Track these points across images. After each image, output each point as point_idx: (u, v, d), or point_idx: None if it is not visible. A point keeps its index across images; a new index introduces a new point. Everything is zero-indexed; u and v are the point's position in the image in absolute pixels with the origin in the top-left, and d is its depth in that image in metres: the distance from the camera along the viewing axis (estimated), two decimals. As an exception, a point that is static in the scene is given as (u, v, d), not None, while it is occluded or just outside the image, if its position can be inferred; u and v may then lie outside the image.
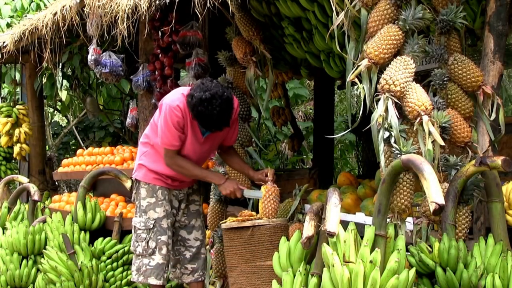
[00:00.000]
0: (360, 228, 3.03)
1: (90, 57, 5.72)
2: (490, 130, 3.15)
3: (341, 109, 12.07)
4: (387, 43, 3.09)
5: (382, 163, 3.03)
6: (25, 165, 7.80)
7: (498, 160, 2.80)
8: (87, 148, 6.63)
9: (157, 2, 4.31)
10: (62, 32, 5.43)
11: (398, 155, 2.92)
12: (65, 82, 8.24)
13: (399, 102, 3.02)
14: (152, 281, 4.04)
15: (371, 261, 2.73)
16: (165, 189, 4.11)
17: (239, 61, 4.63)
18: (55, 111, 11.76)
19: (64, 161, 6.70)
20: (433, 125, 2.96)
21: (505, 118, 3.26)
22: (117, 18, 4.64)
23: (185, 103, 3.82)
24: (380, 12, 3.18)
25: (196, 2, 3.99)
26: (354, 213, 4.11)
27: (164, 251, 4.05)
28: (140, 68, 5.77)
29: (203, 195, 5.05)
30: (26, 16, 7.42)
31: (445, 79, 3.25)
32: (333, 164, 7.84)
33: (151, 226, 4.05)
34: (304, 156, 11.38)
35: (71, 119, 11.10)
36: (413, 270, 2.79)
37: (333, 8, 3.26)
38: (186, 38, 5.19)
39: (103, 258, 4.85)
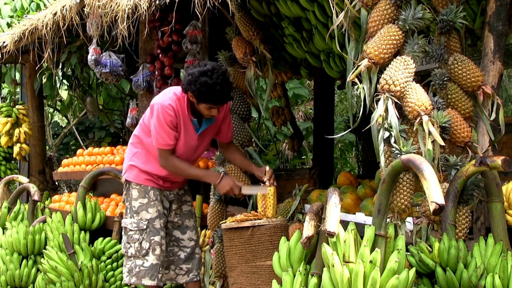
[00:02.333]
0: (360, 228, 3.03)
1: (90, 57, 5.73)
2: (490, 130, 3.15)
3: (341, 109, 12.07)
4: (387, 43, 3.09)
5: (382, 163, 3.03)
6: (25, 165, 7.80)
7: (498, 160, 2.80)
8: (87, 148, 6.63)
9: (157, 2, 4.31)
10: (62, 32, 5.44)
11: (398, 155, 2.92)
12: (65, 82, 8.25)
13: (399, 102, 3.02)
14: (147, 282, 4.00)
15: (371, 261, 2.73)
16: (156, 189, 4.08)
17: (239, 61, 4.63)
18: (55, 111, 11.76)
19: (64, 161, 6.71)
20: (433, 125, 2.96)
21: (505, 118, 3.26)
22: (117, 18, 4.64)
23: (177, 102, 3.83)
24: (380, 12, 3.18)
25: (196, 2, 3.99)
26: (354, 213, 4.11)
27: (157, 251, 4.02)
28: (140, 68, 5.77)
29: (203, 195, 5.06)
30: (26, 16, 7.42)
31: (445, 79, 3.25)
32: (333, 164, 7.84)
33: (144, 226, 4.01)
34: (304, 157, 11.39)
35: (71, 119, 11.10)
36: (413, 270, 2.79)
37: (333, 8, 3.26)
38: (194, 37, 5.21)
39: (103, 258, 4.85)
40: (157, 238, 4.03)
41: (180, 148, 3.98)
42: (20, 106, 7.58)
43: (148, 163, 4.04)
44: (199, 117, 3.96)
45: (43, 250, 4.88)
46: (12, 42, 6.48)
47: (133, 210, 4.06)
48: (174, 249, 4.22)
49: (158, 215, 4.06)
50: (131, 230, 4.04)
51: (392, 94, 3.00)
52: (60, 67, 7.46)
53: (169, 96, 3.87)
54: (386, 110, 2.99)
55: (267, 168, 4.00)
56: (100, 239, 4.95)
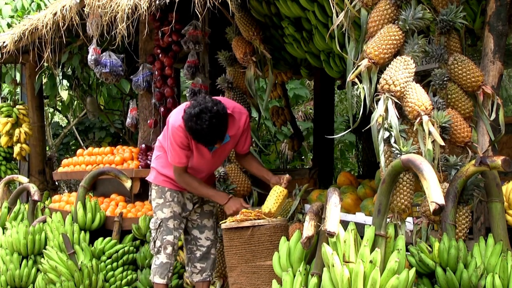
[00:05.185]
0: (360, 228, 3.03)
1: (90, 57, 5.72)
2: (490, 130, 3.15)
3: (341, 109, 12.07)
4: (387, 43, 3.09)
5: (382, 163, 3.03)
6: (25, 165, 7.79)
7: (498, 160, 2.79)
8: (87, 148, 6.63)
9: (157, 2, 4.31)
10: (62, 32, 5.43)
11: (398, 155, 2.92)
12: (65, 82, 8.24)
13: (399, 102, 3.02)
14: (157, 279, 4.15)
15: (371, 261, 2.73)
16: (175, 191, 4.16)
17: (239, 61, 4.63)
18: (55, 111, 11.76)
19: (64, 161, 6.70)
20: (433, 125, 2.95)
21: (505, 118, 3.26)
22: (117, 18, 4.64)
23: None
24: (380, 12, 3.18)
25: (196, 2, 3.99)
26: (354, 213, 4.11)
27: (168, 250, 4.12)
28: (140, 68, 5.77)
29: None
30: (26, 16, 7.41)
31: (445, 79, 3.25)
32: (333, 164, 7.84)
33: (158, 225, 4.15)
34: (304, 157, 11.38)
35: (71, 119, 11.09)
36: (413, 270, 2.79)
37: (333, 8, 3.26)
38: (194, 37, 5.21)
39: (103, 258, 4.85)
40: (169, 238, 4.12)
41: (195, 163, 4.05)
42: (20, 106, 7.57)
43: (166, 167, 4.13)
44: None
45: (43, 250, 4.87)
46: (12, 42, 6.47)
47: (153, 210, 4.24)
48: (193, 248, 4.31)
49: (172, 216, 4.15)
50: (151, 228, 4.23)
51: (392, 94, 3.00)
52: (60, 67, 7.45)
53: (179, 117, 3.89)
54: (386, 110, 2.99)
55: (287, 175, 4.03)
56: (100, 239, 4.95)
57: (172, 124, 3.92)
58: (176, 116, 3.94)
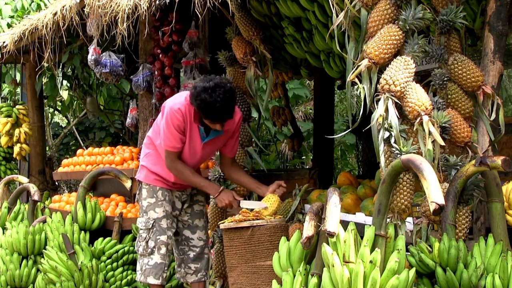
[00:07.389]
0: (360, 228, 3.03)
1: (90, 57, 5.73)
2: (490, 130, 3.16)
3: (341, 109, 12.08)
4: (387, 43, 3.09)
5: (382, 163, 3.03)
6: (25, 165, 7.79)
7: (498, 160, 2.79)
8: (87, 148, 6.64)
9: (157, 2, 4.31)
10: (62, 32, 5.44)
11: (398, 155, 2.92)
12: (65, 82, 8.25)
13: (399, 102, 3.02)
14: (151, 280, 4.09)
15: (371, 261, 2.73)
16: (166, 190, 4.13)
17: (239, 61, 4.63)
18: (55, 111, 11.76)
19: (64, 161, 6.70)
20: (433, 125, 2.96)
21: (505, 118, 3.26)
22: (117, 18, 4.64)
23: (186, 107, 3.85)
24: (380, 12, 3.18)
25: (196, 2, 3.99)
26: (354, 213, 4.11)
27: (163, 251, 4.08)
28: (140, 68, 5.77)
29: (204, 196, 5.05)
30: (26, 16, 7.41)
31: (445, 79, 3.25)
32: (333, 164, 7.84)
33: (150, 226, 4.09)
34: (304, 157, 11.38)
35: (71, 119, 11.10)
36: (413, 270, 2.79)
37: (333, 8, 3.26)
38: (193, 38, 5.21)
39: (103, 258, 4.85)
40: (163, 238, 4.09)
41: (185, 154, 4.02)
42: (20, 106, 7.57)
43: (157, 164, 4.11)
44: (207, 126, 3.96)
45: (43, 250, 4.87)
46: (12, 42, 6.48)
47: (143, 209, 4.17)
48: (185, 248, 4.27)
49: (165, 215, 4.11)
50: (141, 228, 4.15)
51: (392, 94, 3.00)
52: (61, 67, 7.46)
53: (180, 100, 3.89)
54: (386, 110, 2.99)
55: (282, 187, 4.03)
56: (100, 239, 4.95)
57: (171, 106, 3.88)
58: (175, 100, 3.92)
